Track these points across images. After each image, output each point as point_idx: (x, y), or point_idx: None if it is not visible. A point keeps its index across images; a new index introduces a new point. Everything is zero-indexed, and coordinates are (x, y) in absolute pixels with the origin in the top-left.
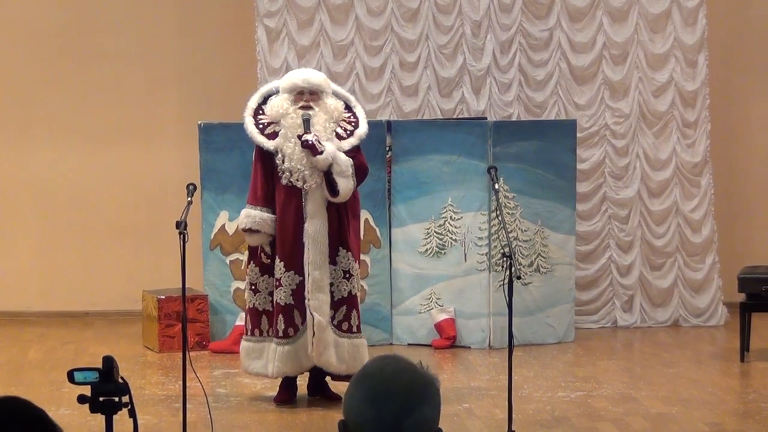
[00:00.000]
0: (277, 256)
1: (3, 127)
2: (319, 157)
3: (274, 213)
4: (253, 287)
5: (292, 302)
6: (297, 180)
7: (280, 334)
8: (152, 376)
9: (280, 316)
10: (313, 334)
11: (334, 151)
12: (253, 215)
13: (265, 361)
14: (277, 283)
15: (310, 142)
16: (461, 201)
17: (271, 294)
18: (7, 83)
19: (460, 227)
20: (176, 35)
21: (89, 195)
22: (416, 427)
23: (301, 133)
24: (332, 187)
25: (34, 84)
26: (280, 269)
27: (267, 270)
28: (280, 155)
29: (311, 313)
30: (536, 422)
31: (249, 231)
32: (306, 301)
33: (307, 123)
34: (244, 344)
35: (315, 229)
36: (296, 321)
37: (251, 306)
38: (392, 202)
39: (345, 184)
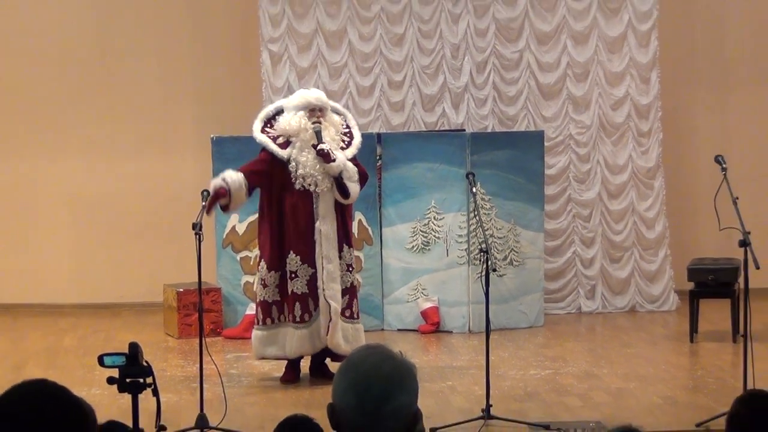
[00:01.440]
0: (291, 252)
1: (41, 143)
2: (332, 164)
3: (246, 180)
4: (263, 282)
5: (307, 291)
6: (309, 185)
7: (297, 319)
8: (173, 360)
9: (297, 304)
10: (330, 318)
11: (344, 159)
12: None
13: (281, 344)
14: (293, 275)
15: (326, 150)
16: (443, 203)
17: (277, 287)
18: (44, 105)
19: (442, 226)
20: (191, 59)
21: (117, 201)
22: (394, 413)
23: (314, 143)
24: (344, 191)
25: (69, 105)
26: (296, 263)
27: (274, 266)
28: (293, 163)
29: (327, 301)
30: (511, 397)
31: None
32: (320, 290)
33: (318, 134)
34: (256, 333)
35: (327, 228)
36: (310, 308)
37: (262, 299)
38: (382, 205)
39: (354, 188)
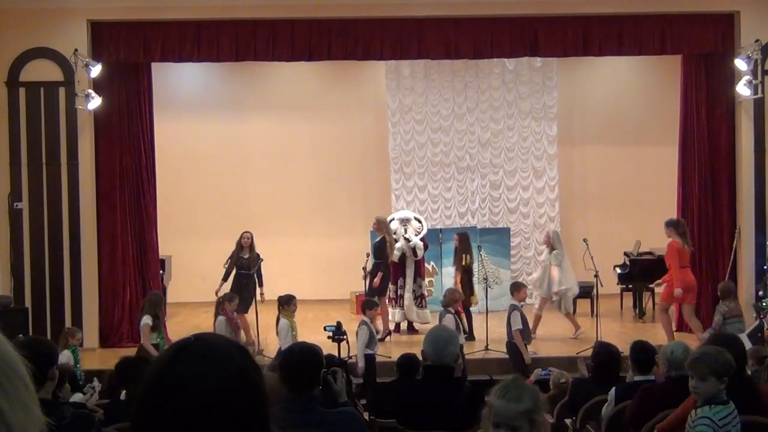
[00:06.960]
0: (399, 278)
1: (298, 225)
2: (413, 243)
3: None
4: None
5: (402, 294)
6: (403, 253)
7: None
8: (353, 324)
9: (397, 301)
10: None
11: (417, 241)
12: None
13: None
14: (400, 288)
15: (411, 240)
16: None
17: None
18: (308, 209)
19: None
20: (355, 195)
21: (329, 259)
22: (449, 354)
23: (408, 237)
24: (416, 254)
25: (324, 207)
26: (400, 283)
27: (392, 283)
28: (398, 245)
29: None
30: (495, 341)
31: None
32: (407, 296)
33: (407, 237)
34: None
35: (410, 271)
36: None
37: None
38: (442, 257)
39: (420, 253)
